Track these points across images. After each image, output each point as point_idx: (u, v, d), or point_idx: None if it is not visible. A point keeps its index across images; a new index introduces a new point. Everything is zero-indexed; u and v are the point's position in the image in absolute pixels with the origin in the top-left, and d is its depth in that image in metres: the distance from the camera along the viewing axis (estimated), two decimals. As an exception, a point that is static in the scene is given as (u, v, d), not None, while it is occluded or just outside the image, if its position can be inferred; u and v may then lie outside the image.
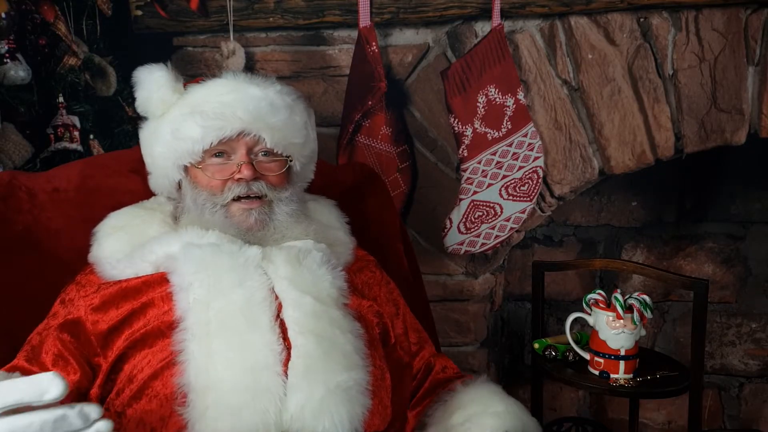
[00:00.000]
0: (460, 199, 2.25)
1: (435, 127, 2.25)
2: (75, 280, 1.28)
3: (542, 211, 2.33)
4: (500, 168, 2.24)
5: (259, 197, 1.29)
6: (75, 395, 1.14)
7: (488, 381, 1.36)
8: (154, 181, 1.40)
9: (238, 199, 1.28)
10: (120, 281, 1.21)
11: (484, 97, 2.18)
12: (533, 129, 2.21)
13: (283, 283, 1.18)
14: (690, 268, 2.45)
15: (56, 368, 1.15)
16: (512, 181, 2.25)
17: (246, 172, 1.27)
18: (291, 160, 1.35)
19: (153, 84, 1.33)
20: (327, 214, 1.45)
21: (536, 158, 2.23)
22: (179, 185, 1.37)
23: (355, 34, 2.18)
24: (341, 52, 2.24)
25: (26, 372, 1.16)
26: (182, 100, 1.33)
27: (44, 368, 1.15)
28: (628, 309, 1.75)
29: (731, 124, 2.16)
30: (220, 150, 1.29)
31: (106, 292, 1.20)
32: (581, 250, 2.51)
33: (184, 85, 1.36)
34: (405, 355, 1.38)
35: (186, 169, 1.33)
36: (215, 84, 1.35)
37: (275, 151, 1.32)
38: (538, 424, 1.31)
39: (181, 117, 1.30)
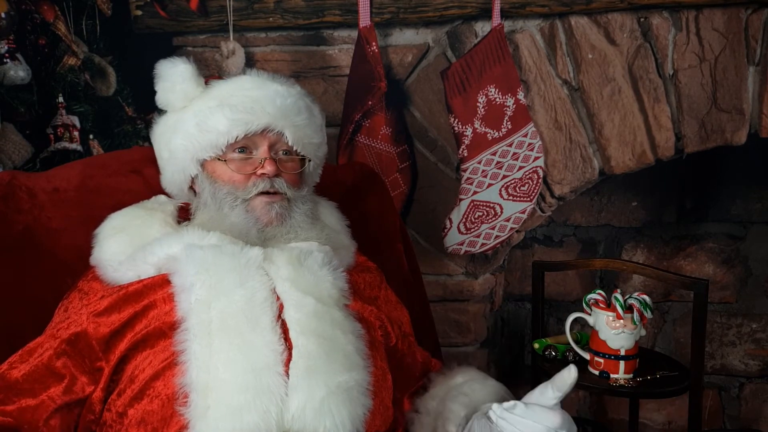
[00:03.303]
0: (460, 199, 2.25)
1: (435, 127, 2.25)
2: (77, 287, 1.28)
3: (542, 211, 2.33)
4: (500, 168, 2.24)
5: (279, 193, 1.30)
6: (51, 405, 1.16)
7: None
8: (168, 178, 1.40)
9: (259, 194, 1.30)
10: (123, 287, 1.21)
11: (484, 97, 2.18)
12: (533, 129, 2.21)
13: (285, 284, 1.18)
14: (690, 268, 2.44)
15: (30, 380, 1.17)
16: (512, 181, 2.25)
17: (269, 168, 1.29)
18: (309, 160, 1.37)
19: (177, 76, 1.34)
20: (329, 216, 1.46)
21: (536, 158, 2.23)
22: (191, 183, 1.37)
23: (355, 34, 2.18)
24: (341, 52, 2.24)
25: (13, 386, 1.17)
26: (206, 94, 1.35)
27: (38, 367, 1.17)
28: (628, 309, 1.75)
29: (731, 124, 2.16)
30: (243, 145, 1.31)
31: (110, 298, 1.20)
32: (581, 250, 2.50)
33: (206, 81, 1.37)
34: (407, 354, 1.38)
35: (203, 164, 1.33)
36: (240, 80, 1.37)
37: (294, 150, 1.34)
38: None
39: (208, 110, 1.31)
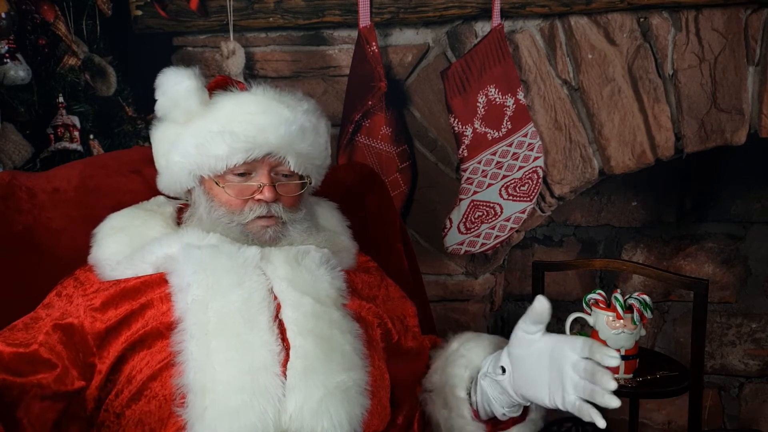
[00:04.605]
0: (460, 199, 2.25)
1: (435, 127, 2.25)
2: (74, 275, 1.28)
3: (542, 211, 2.33)
4: (500, 168, 2.24)
5: (275, 217, 1.29)
6: (37, 392, 1.12)
7: None
8: (165, 183, 1.38)
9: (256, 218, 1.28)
10: (119, 281, 1.21)
11: (484, 97, 2.18)
12: (533, 129, 2.21)
13: (282, 284, 1.18)
14: (690, 268, 2.44)
15: (41, 364, 1.14)
16: (512, 181, 2.25)
17: (268, 194, 1.27)
18: (310, 182, 1.35)
19: (181, 93, 1.29)
20: (330, 218, 1.45)
21: (536, 158, 2.23)
22: (188, 189, 1.36)
23: (355, 34, 2.18)
24: (341, 52, 2.24)
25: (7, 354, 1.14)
26: (209, 113, 1.30)
27: (30, 349, 1.14)
28: (628, 309, 1.75)
29: (731, 124, 2.16)
30: (243, 170, 1.28)
31: (106, 293, 1.19)
32: (581, 250, 2.50)
33: (209, 94, 1.32)
34: (413, 340, 1.38)
35: (201, 179, 1.32)
36: (245, 100, 1.31)
37: (296, 173, 1.32)
38: None
39: (209, 134, 1.27)
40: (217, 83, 1.35)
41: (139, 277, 1.21)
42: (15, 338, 1.17)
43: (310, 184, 1.35)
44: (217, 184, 1.28)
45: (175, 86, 1.30)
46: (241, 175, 1.28)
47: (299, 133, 1.30)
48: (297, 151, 1.29)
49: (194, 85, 1.29)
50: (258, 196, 1.27)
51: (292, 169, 1.30)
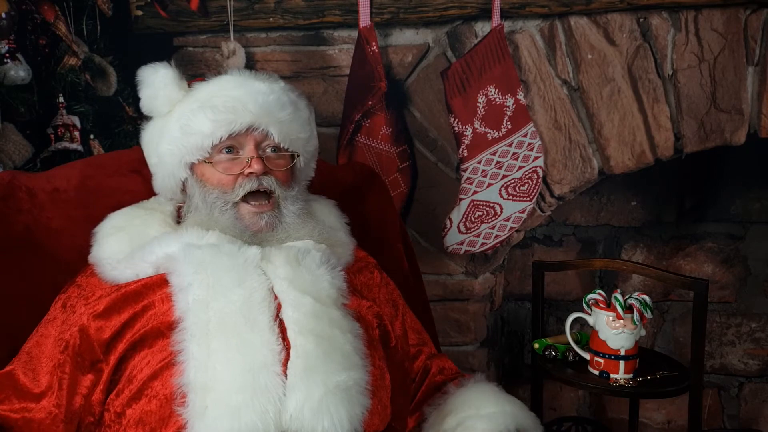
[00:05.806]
0: (460, 199, 2.25)
1: (435, 127, 2.26)
2: (75, 282, 1.28)
3: (542, 211, 2.33)
4: (500, 168, 2.24)
5: (268, 194, 1.30)
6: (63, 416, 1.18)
7: (482, 381, 1.39)
8: (159, 182, 1.40)
9: (247, 196, 1.29)
10: (120, 286, 1.21)
11: (484, 97, 2.18)
12: (533, 129, 2.21)
13: (283, 284, 1.18)
14: (690, 267, 2.44)
15: (52, 396, 1.19)
16: (512, 181, 2.25)
17: (256, 166, 1.28)
18: (297, 156, 1.36)
19: (158, 82, 1.34)
20: (328, 214, 1.46)
21: (536, 158, 2.23)
22: (184, 186, 1.37)
23: (355, 34, 2.18)
24: (341, 52, 2.24)
25: (20, 388, 1.20)
26: (188, 97, 1.34)
27: (39, 386, 1.20)
28: (628, 309, 1.75)
29: (731, 124, 2.16)
30: (229, 145, 1.30)
31: (108, 299, 1.20)
32: (581, 250, 2.50)
33: (188, 84, 1.37)
34: (405, 359, 1.38)
35: (192, 167, 1.33)
36: (222, 80, 1.36)
37: (282, 147, 1.34)
38: (536, 420, 1.32)
39: (190, 112, 1.30)
40: (196, 80, 1.41)
41: (140, 280, 1.21)
42: (31, 363, 1.21)
43: (298, 157, 1.36)
44: (206, 163, 1.30)
45: (152, 76, 1.35)
46: (228, 152, 1.30)
47: (277, 103, 1.32)
48: (279, 121, 1.31)
49: (170, 73, 1.34)
50: (247, 170, 1.29)
51: (276, 141, 1.32)
